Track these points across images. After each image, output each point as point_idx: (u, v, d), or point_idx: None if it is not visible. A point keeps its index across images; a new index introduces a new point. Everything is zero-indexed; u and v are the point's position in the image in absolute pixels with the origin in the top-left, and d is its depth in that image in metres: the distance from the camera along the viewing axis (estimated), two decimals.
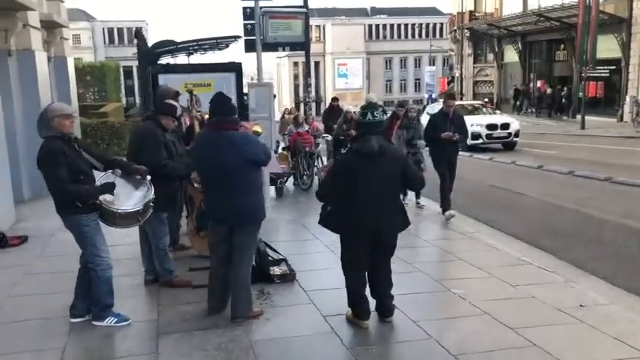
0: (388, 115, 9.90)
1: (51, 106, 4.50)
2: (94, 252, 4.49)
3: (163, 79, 9.00)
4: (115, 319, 4.60)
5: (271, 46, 9.52)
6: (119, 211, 4.49)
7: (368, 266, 4.60)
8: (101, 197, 4.38)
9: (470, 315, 4.84)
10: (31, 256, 6.64)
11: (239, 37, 9.45)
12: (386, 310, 4.69)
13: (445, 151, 8.25)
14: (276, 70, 75.97)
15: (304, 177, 10.95)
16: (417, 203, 9.15)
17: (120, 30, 68.30)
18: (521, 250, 6.80)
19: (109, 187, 4.45)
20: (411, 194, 9.06)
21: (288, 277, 5.69)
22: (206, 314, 4.82)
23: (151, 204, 4.70)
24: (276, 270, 5.87)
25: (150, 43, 11.23)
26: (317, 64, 72.84)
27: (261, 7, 8.09)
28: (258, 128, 7.31)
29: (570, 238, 7.51)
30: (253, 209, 4.62)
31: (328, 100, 14.94)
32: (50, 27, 12.31)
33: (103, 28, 69.09)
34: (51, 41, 12.69)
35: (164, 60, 12.58)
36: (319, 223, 4.76)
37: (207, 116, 6.38)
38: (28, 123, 9.01)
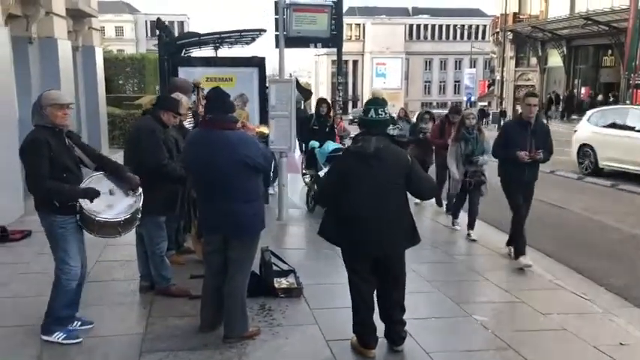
0: (422, 118, 9.36)
1: (46, 93, 4.07)
2: (64, 258, 4.07)
3: (183, 72, 8.64)
4: (64, 335, 4.14)
5: (297, 42, 9.03)
6: (97, 218, 4.04)
7: (374, 286, 4.06)
8: (81, 201, 3.97)
9: (491, 348, 4.27)
10: (30, 252, 6.31)
11: (264, 30, 9.04)
12: (396, 337, 4.14)
13: (523, 174, 6.11)
14: (314, 67, 75.61)
15: None
16: (468, 235, 7.31)
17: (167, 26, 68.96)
18: (555, 272, 6.17)
19: (92, 193, 4.01)
20: (462, 220, 7.68)
21: (294, 292, 5.22)
22: (197, 331, 4.39)
23: (138, 215, 4.28)
24: (282, 282, 5.41)
25: None
26: (355, 62, 72.26)
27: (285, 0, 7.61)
28: (264, 130, 6.87)
29: (611, 259, 6.82)
30: (250, 219, 4.13)
31: (365, 100, 14.33)
32: (78, 16, 12.11)
33: (146, 21, 70.04)
34: (79, 30, 12.51)
35: (193, 53, 12.31)
36: (318, 232, 4.20)
37: None
38: None
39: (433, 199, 9.07)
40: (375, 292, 4.11)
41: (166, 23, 10.70)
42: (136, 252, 5.29)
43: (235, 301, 4.20)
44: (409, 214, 4.06)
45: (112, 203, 4.15)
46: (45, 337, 4.11)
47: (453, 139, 7.33)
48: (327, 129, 9.48)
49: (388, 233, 3.86)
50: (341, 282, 5.31)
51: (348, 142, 11.98)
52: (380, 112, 3.89)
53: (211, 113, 4.08)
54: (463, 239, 7.35)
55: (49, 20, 9.88)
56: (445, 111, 9.97)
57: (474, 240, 7.18)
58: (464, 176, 7.13)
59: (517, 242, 6.27)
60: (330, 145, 8.55)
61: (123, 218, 4.14)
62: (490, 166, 7.22)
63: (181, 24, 68.03)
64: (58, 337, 4.10)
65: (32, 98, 9.24)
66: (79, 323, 4.37)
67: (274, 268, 5.44)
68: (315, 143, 8.73)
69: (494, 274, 5.98)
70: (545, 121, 7.07)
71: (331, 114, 10.87)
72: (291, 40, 8.42)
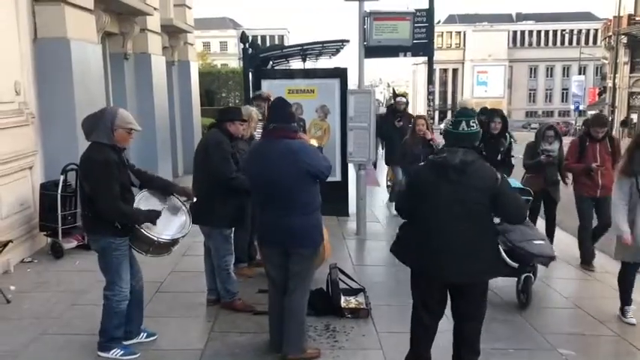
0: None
1: (121, 114, 3.96)
2: (116, 281, 4.02)
3: (266, 85, 8.69)
4: (122, 352, 4.11)
5: (379, 51, 8.80)
6: (160, 239, 4.00)
7: (439, 319, 3.68)
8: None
9: None
10: None
11: (347, 40, 8.90)
12: None
13: None
14: (412, 77, 74.78)
15: None
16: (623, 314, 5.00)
17: (263, 37, 71.28)
18: None
19: (155, 216, 4.00)
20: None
21: (362, 313, 4.96)
22: (258, 349, 4.26)
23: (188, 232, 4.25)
24: (350, 301, 5.18)
25: None
26: (455, 71, 70.68)
27: (367, 10, 7.42)
28: (314, 142, 6.65)
29: None
30: (311, 231, 3.97)
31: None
32: (173, 32, 12.62)
33: (249, 36, 72.59)
34: (175, 46, 13.03)
35: (282, 66, 12.43)
36: (390, 249, 3.87)
37: None
38: (142, 125, 9.16)
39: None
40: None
41: (267, 37, 10.84)
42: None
43: (295, 317, 4.04)
44: (494, 239, 3.63)
45: (167, 222, 4.11)
46: (102, 354, 4.11)
47: (621, 171, 4.84)
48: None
49: (463, 260, 3.41)
50: None
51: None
52: (472, 124, 3.51)
53: (274, 122, 3.96)
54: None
55: (144, 37, 10.35)
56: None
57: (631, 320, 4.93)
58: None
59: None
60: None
61: (180, 237, 4.10)
62: None
63: (281, 38, 69.89)
64: (115, 353, 4.10)
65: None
66: (145, 335, 4.38)
67: (344, 286, 5.23)
68: None
69: (588, 301, 5.39)
70: None
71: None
72: (373, 50, 8.21)
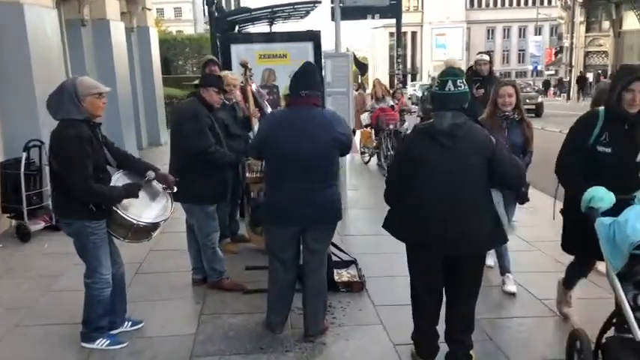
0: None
1: (81, 81, 3.54)
2: (96, 267, 3.67)
3: (235, 50, 8.23)
4: (108, 341, 3.81)
5: (354, 13, 8.48)
6: (140, 222, 3.64)
7: (441, 297, 3.47)
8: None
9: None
10: None
11: (318, 1, 8.52)
12: None
13: None
14: (372, 41, 74.25)
15: (388, 157, 9.92)
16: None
17: (218, 2, 69.19)
18: None
19: (134, 189, 3.62)
20: None
21: (355, 286, 4.78)
22: (252, 330, 4.03)
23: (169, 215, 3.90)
24: (343, 274, 5.00)
25: None
26: (414, 34, 70.46)
27: None
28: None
29: None
30: (336, 205, 3.76)
31: (425, 72, 13.33)
32: None
33: (203, 1, 70.47)
34: (133, 11, 12.38)
35: (249, 29, 11.94)
36: (382, 225, 3.55)
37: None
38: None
39: None
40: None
41: (223, 2, 10.37)
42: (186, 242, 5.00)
43: (321, 296, 3.91)
44: (492, 206, 3.31)
45: (147, 204, 3.75)
46: (86, 345, 3.80)
47: None
48: None
49: (464, 229, 3.16)
50: (407, 274, 4.90)
51: (408, 118, 11.41)
52: (459, 84, 3.21)
53: (305, 89, 3.62)
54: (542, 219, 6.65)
55: (101, 1, 9.73)
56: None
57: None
58: None
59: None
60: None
61: (162, 220, 3.78)
62: None
63: (238, 1, 68.09)
64: (101, 343, 3.79)
65: None
66: (130, 324, 4.08)
67: (335, 259, 5.03)
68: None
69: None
70: None
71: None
72: (348, 11, 7.91)
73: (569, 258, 4.05)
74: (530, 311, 4.40)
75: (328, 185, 3.68)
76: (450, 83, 3.19)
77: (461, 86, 3.21)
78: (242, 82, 5.63)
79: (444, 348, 3.53)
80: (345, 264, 5.16)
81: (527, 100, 20.97)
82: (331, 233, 3.89)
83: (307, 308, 3.88)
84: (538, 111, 23.48)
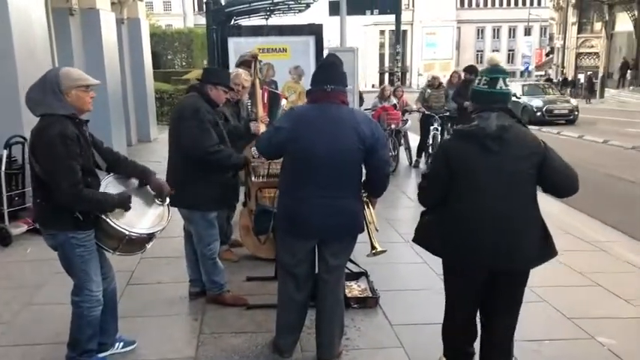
0: None
1: (66, 73, 3.09)
2: (84, 283, 3.22)
3: (233, 43, 7.84)
4: None
5: (354, 8, 8.11)
6: (133, 233, 3.18)
7: (476, 311, 3.13)
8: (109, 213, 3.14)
9: None
10: None
11: None
12: None
13: None
14: (363, 38, 73.91)
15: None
16: None
17: None
18: None
19: (126, 200, 3.18)
20: None
21: (369, 302, 4.39)
22: (259, 354, 3.62)
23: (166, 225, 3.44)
24: (353, 288, 4.61)
25: None
26: (404, 32, 70.18)
27: None
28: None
29: None
30: (359, 215, 3.38)
31: (415, 71, 13.01)
32: None
33: None
34: (124, 2, 11.87)
35: (244, 22, 11.50)
36: (413, 239, 3.20)
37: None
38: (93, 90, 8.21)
39: None
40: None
41: None
42: (182, 249, 4.56)
43: (340, 318, 3.51)
44: (540, 216, 2.95)
45: (141, 213, 3.30)
46: None
47: None
48: None
49: (513, 242, 2.83)
50: (424, 288, 4.54)
51: (409, 118, 11.04)
52: (507, 83, 2.90)
53: (332, 84, 3.21)
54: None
55: None
56: None
57: None
58: None
59: None
60: None
61: (158, 231, 3.34)
62: None
63: None
64: None
65: None
66: (121, 345, 3.64)
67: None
68: None
69: (606, 278, 4.98)
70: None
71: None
72: (350, 5, 7.54)
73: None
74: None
75: (355, 194, 3.29)
76: (501, 81, 2.85)
77: (509, 85, 2.90)
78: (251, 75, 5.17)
79: None
80: (355, 276, 4.77)
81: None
82: (352, 248, 3.48)
83: (322, 331, 3.47)
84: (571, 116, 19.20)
